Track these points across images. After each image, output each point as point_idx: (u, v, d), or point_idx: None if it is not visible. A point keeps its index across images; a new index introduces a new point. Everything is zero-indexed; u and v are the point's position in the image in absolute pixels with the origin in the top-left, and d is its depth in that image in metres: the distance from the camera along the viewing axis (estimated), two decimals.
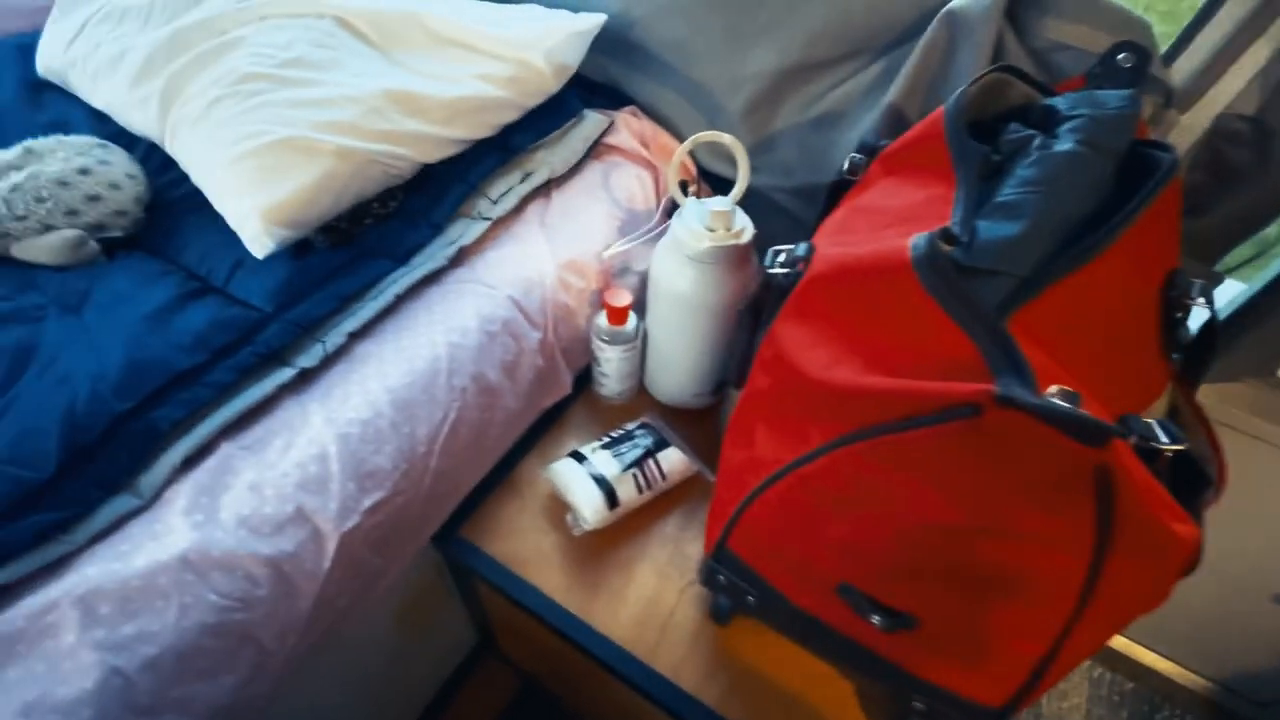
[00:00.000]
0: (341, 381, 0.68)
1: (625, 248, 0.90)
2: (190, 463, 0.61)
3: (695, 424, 0.91)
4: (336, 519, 0.61)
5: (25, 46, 0.98)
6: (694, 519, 0.83)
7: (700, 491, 0.84)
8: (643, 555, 0.79)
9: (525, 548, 0.78)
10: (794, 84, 0.91)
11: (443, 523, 0.78)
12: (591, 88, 1.06)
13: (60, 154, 0.77)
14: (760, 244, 0.75)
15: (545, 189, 0.94)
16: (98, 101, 0.87)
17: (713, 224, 0.72)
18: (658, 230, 0.93)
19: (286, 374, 0.67)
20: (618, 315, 0.82)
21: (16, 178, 0.74)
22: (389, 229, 0.81)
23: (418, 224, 0.82)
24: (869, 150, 0.67)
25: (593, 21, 0.91)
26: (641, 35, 0.97)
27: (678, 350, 0.84)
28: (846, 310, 0.48)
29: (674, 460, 0.81)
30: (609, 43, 0.98)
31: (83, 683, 0.49)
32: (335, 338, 0.71)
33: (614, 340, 0.84)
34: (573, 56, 0.92)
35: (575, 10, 0.95)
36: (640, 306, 0.88)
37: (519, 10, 0.93)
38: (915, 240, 0.44)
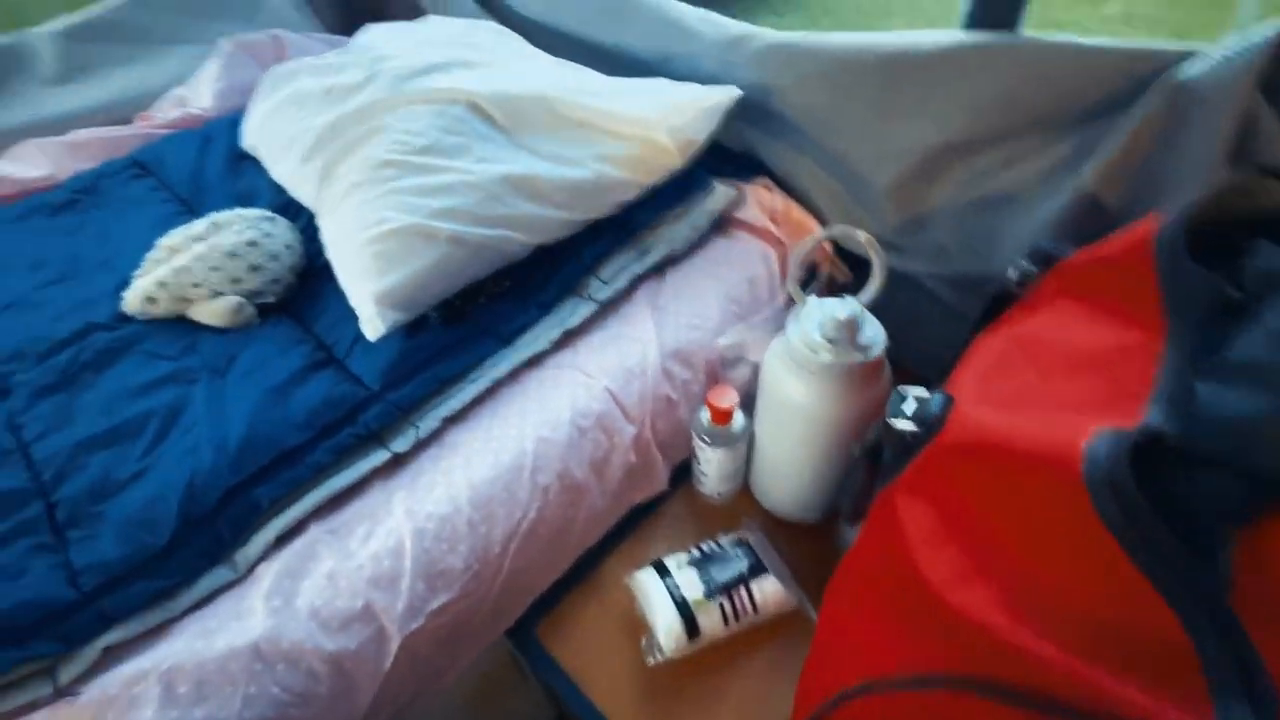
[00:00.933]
0: (429, 468, 0.68)
1: (739, 339, 0.82)
2: (281, 541, 0.63)
3: (803, 541, 0.80)
4: (401, 620, 0.60)
5: (238, 123, 1.14)
6: (789, 660, 0.71)
7: (799, 629, 0.73)
8: (724, 695, 0.70)
9: (597, 664, 0.72)
10: (954, 159, 0.78)
11: (517, 617, 0.74)
12: (723, 153, 1.00)
13: (235, 226, 0.87)
14: (904, 336, 0.64)
15: (660, 267, 0.89)
16: (276, 175, 0.98)
17: (834, 334, 0.62)
18: (777, 319, 0.84)
19: (380, 457, 0.68)
20: (721, 416, 0.75)
21: (200, 248, 0.84)
22: (499, 308, 0.81)
23: (527, 304, 0.81)
24: (1044, 259, 0.54)
25: (725, 96, 0.86)
26: (780, 104, 0.90)
27: (786, 462, 0.74)
28: (988, 506, 0.37)
29: (770, 591, 0.71)
30: (744, 109, 0.92)
31: None
32: (430, 422, 0.71)
33: (716, 441, 0.77)
34: (701, 132, 0.87)
35: (711, 81, 0.90)
36: (751, 401, 0.80)
37: (647, 84, 0.91)
38: (1093, 445, 0.32)
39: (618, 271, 0.86)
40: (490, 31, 1.12)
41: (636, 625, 0.74)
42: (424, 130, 0.80)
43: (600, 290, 0.84)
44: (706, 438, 0.77)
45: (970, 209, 0.79)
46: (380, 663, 0.59)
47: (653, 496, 0.82)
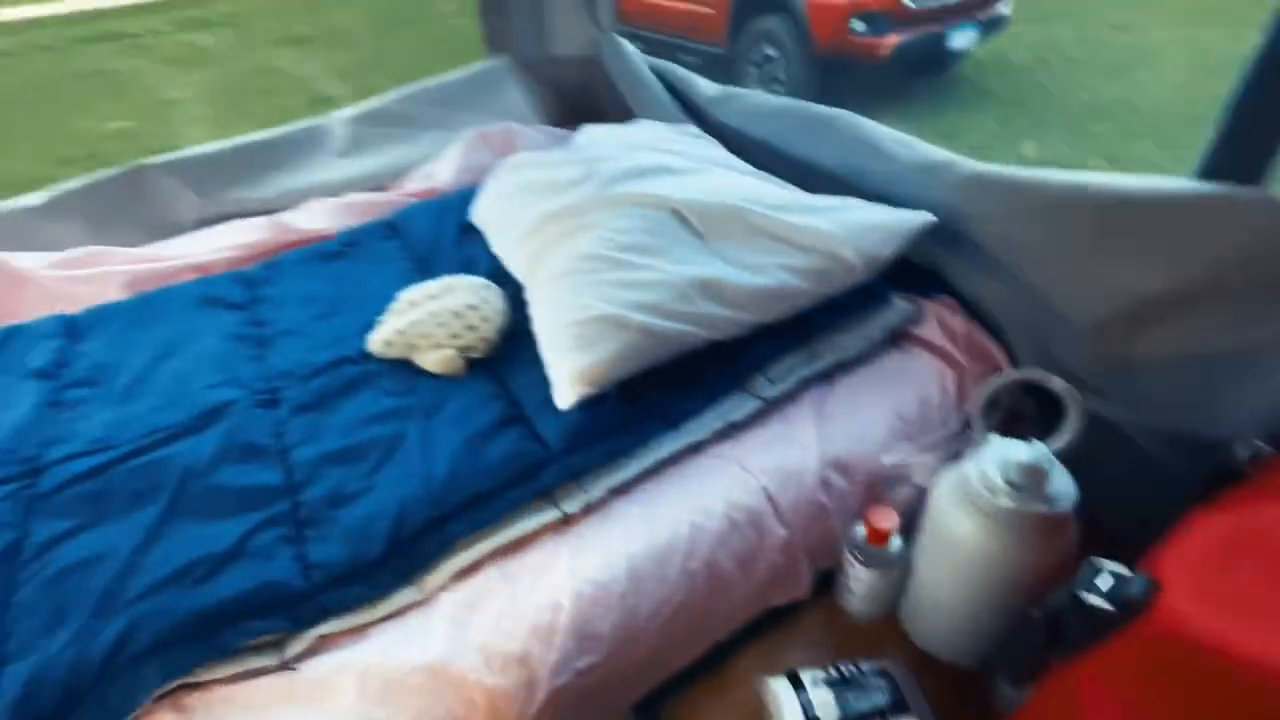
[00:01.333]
0: (592, 534, 0.74)
1: (906, 459, 0.81)
2: (461, 574, 0.71)
3: (951, 684, 0.75)
4: (552, 672, 0.65)
5: (469, 199, 1.35)
6: None
7: None
8: None
9: None
10: (1175, 308, 0.73)
11: (646, 692, 0.77)
12: (907, 267, 1.01)
13: (461, 290, 1.03)
14: (1098, 490, 0.60)
15: (830, 373, 0.91)
16: (496, 248, 1.15)
17: (1017, 478, 0.60)
18: (948, 445, 0.82)
19: (553, 515, 0.76)
20: (878, 536, 0.74)
21: (433, 306, 1.01)
22: (671, 393, 0.87)
23: (696, 393, 0.87)
24: None
25: (917, 220, 0.88)
26: (976, 231, 0.90)
27: (946, 600, 0.71)
28: None
29: None
30: (935, 229, 0.93)
31: None
32: (598, 490, 0.77)
33: (869, 561, 0.75)
34: (889, 250, 0.90)
35: (904, 200, 0.93)
36: (910, 525, 0.78)
37: (838, 202, 0.95)
38: None
39: (786, 373, 0.89)
40: (692, 137, 1.25)
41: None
42: (629, 229, 0.90)
43: (767, 389, 0.87)
44: (859, 554, 0.76)
45: (1190, 362, 0.73)
46: (527, 708, 0.65)
47: (792, 600, 0.82)
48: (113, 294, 1.28)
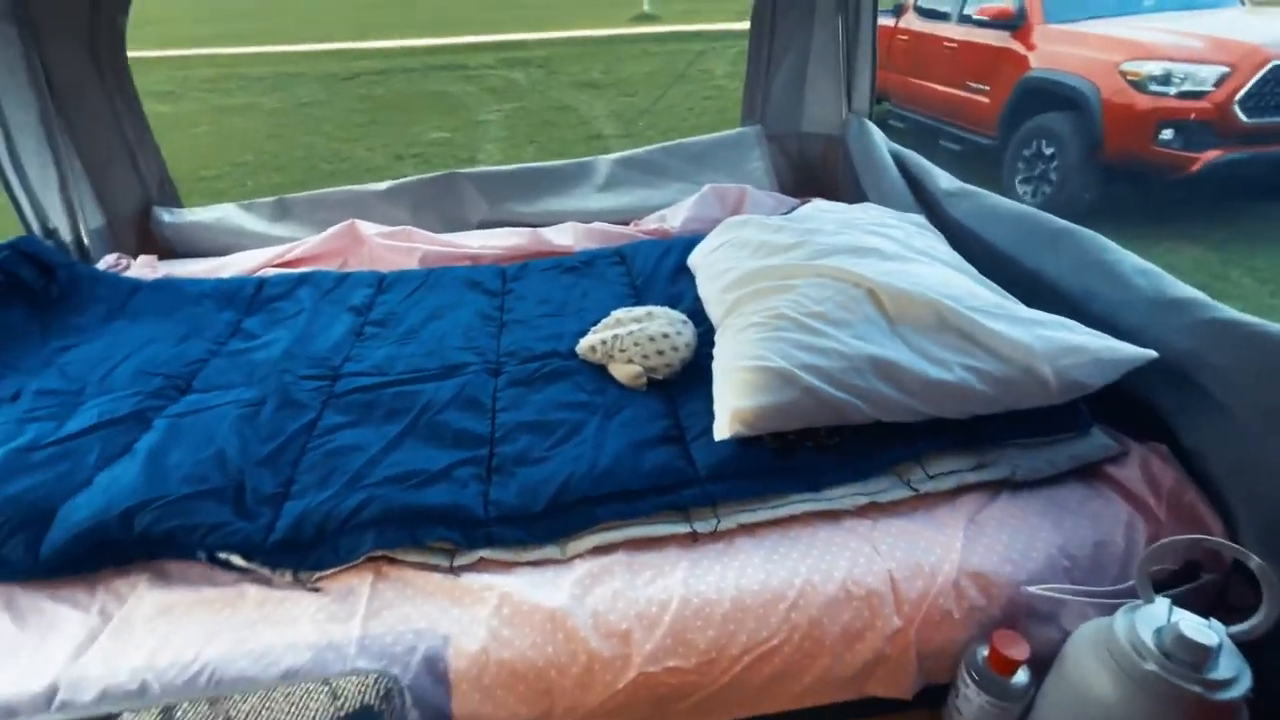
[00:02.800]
0: (712, 558, 0.81)
1: (1060, 596, 0.75)
2: (596, 550, 0.83)
3: None
4: (645, 659, 0.73)
5: (691, 244, 1.52)
6: None
7: None
8: None
9: None
10: None
11: None
12: (1121, 398, 0.92)
13: (661, 319, 1.17)
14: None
15: (997, 487, 0.88)
16: (701, 291, 1.28)
17: (1172, 648, 0.55)
18: (1114, 600, 0.74)
19: (683, 528, 0.84)
20: (1003, 664, 0.70)
21: (635, 327, 1.17)
22: (823, 458, 0.91)
23: (845, 466, 0.89)
24: None
25: (1134, 356, 0.82)
26: (1210, 381, 0.81)
27: None
28: None
29: None
30: (1164, 371, 0.85)
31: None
32: (729, 521, 0.84)
33: (986, 688, 0.71)
34: (1093, 379, 0.85)
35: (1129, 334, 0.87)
36: (1044, 668, 0.72)
37: (1053, 319, 0.92)
38: None
39: (947, 473, 0.88)
40: (915, 226, 1.27)
41: None
42: (822, 300, 0.97)
43: (922, 482, 0.87)
44: (976, 676, 0.72)
45: None
46: (616, 681, 0.73)
47: (892, 699, 0.80)
48: (412, 263, 1.67)
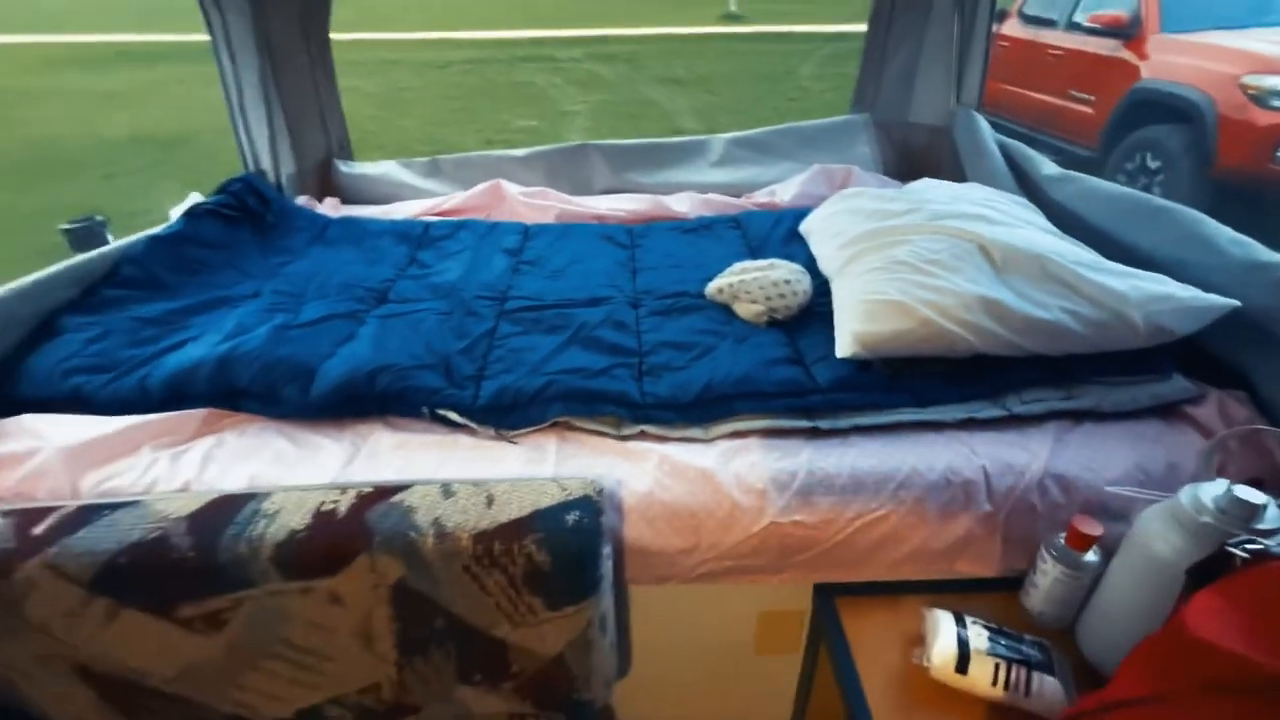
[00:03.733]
0: (832, 445, 0.99)
1: (1135, 496, 0.89)
2: (734, 434, 1.03)
3: None
4: (775, 513, 0.92)
5: (801, 215, 1.69)
6: None
7: None
8: None
9: (868, 643, 0.90)
10: None
11: (827, 581, 0.98)
12: (1197, 352, 1.04)
13: (783, 268, 1.35)
14: None
15: (1081, 415, 1.02)
16: (815, 251, 1.45)
17: (1227, 506, 0.69)
18: None
19: (806, 424, 1.02)
20: (1079, 540, 0.85)
21: (758, 274, 1.35)
22: (929, 382, 1.07)
23: (951, 388, 1.05)
24: None
25: (1217, 304, 0.95)
26: None
27: (1128, 615, 0.79)
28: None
29: (1049, 689, 0.78)
30: (1247, 328, 0.97)
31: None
32: (845, 422, 1.02)
33: (1061, 559, 0.86)
34: (1179, 326, 0.98)
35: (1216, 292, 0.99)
36: (1106, 555, 0.86)
37: (1142, 274, 1.05)
38: None
39: (1038, 400, 1.02)
40: (1016, 204, 1.40)
41: (912, 643, 0.89)
42: (937, 250, 1.13)
43: (1015, 405, 1.02)
44: (1054, 551, 0.87)
45: None
46: (752, 526, 0.92)
47: (977, 576, 0.95)
48: (549, 219, 1.91)
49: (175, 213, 1.62)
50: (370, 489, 0.85)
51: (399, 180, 2.14)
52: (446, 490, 0.83)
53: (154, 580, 0.79)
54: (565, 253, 1.65)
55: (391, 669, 0.87)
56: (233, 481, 0.97)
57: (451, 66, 9.83)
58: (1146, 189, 3.52)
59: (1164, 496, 0.87)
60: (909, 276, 1.09)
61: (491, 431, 1.06)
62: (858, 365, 1.09)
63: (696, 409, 1.06)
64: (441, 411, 1.08)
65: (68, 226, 3.51)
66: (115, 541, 0.78)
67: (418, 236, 1.76)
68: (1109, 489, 0.90)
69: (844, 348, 1.07)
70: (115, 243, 1.46)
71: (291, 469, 0.99)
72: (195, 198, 1.70)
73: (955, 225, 1.20)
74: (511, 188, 2.02)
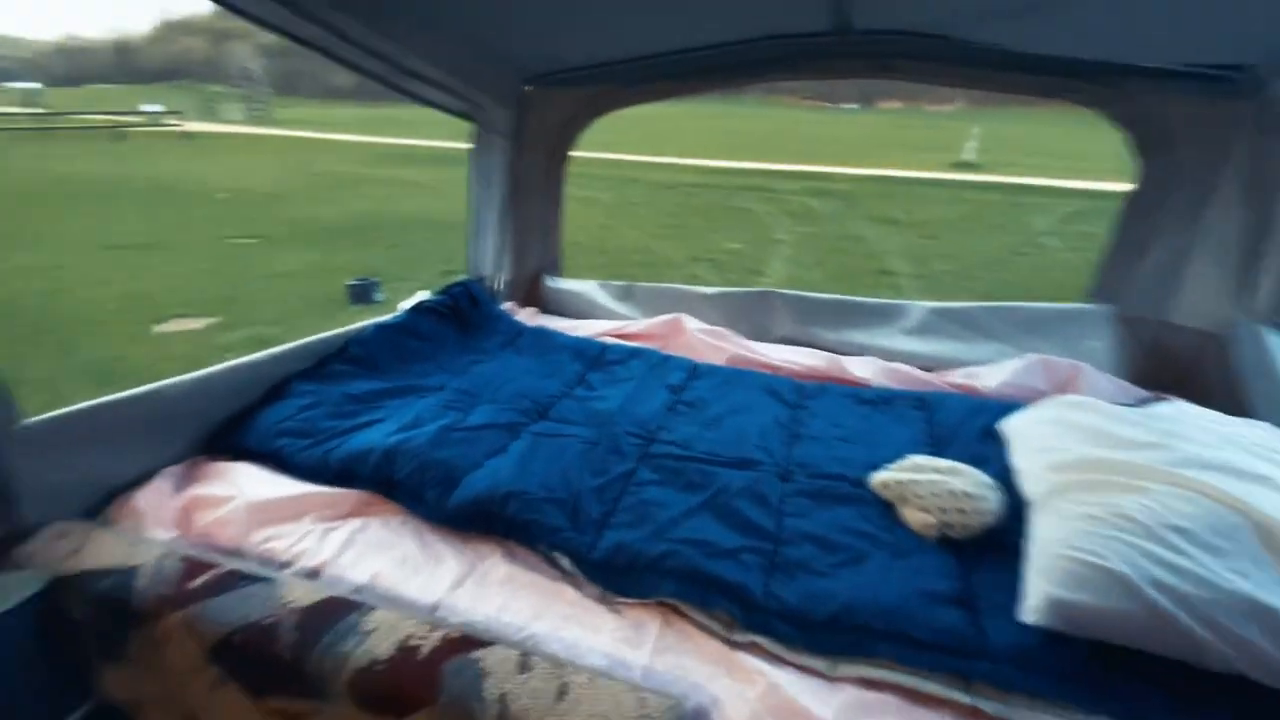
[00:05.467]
0: None
1: None
2: (865, 682, 0.84)
3: None
4: None
5: (1005, 410, 1.45)
6: None
7: None
8: None
9: None
10: None
11: None
12: None
13: (967, 477, 1.15)
14: None
15: None
16: (1014, 460, 1.22)
17: None
18: None
19: (962, 698, 0.81)
20: None
21: (935, 477, 1.17)
22: (1155, 689, 0.79)
23: (1180, 709, 0.77)
24: None
25: None
26: None
27: None
28: None
29: None
30: None
31: None
32: (1017, 714, 0.78)
33: None
34: None
35: None
36: None
37: None
38: None
39: None
40: None
41: None
42: (1187, 516, 0.87)
43: None
44: None
45: None
46: None
47: None
48: (719, 360, 1.90)
49: (404, 305, 1.91)
50: (457, 634, 0.83)
51: (594, 299, 2.31)
52: (524, 662, 0.78)
53: (256, 666, 0.84)
54: (726, 400, 1.60)
55: None
56: (360, 573, 1.02)
57: (679, 188, 10.82)
58: None
59: None
60: (1139, 543, 0.85)
61: (597, 591, 1.00)
62: (1048, 636, 0.85)
63: (826, 634, 0.90)
64: (556, 555, 1.06)
65: (351, 282, 4.40)
66: (240, 617, 0.85)
67: (593, 357, 1.85)
68: None
69: (1033, 610, 0.85)
70: (349, 326, 1.74)
71: (409, 577, 1.02)
72: (422, 295, 1.98)
73: (1219, 482, 0.92)
74: (692, 323, 2.06)
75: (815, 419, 1.53)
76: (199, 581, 0.90)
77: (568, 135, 2.23)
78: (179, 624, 0.87)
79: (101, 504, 1.13)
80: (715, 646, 0.90)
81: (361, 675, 0.78)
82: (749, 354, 1.93)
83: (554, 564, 1.05)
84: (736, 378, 1.75)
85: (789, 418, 1.53)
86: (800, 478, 1.28)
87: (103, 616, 0.91)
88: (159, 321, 4.14)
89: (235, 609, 0.86)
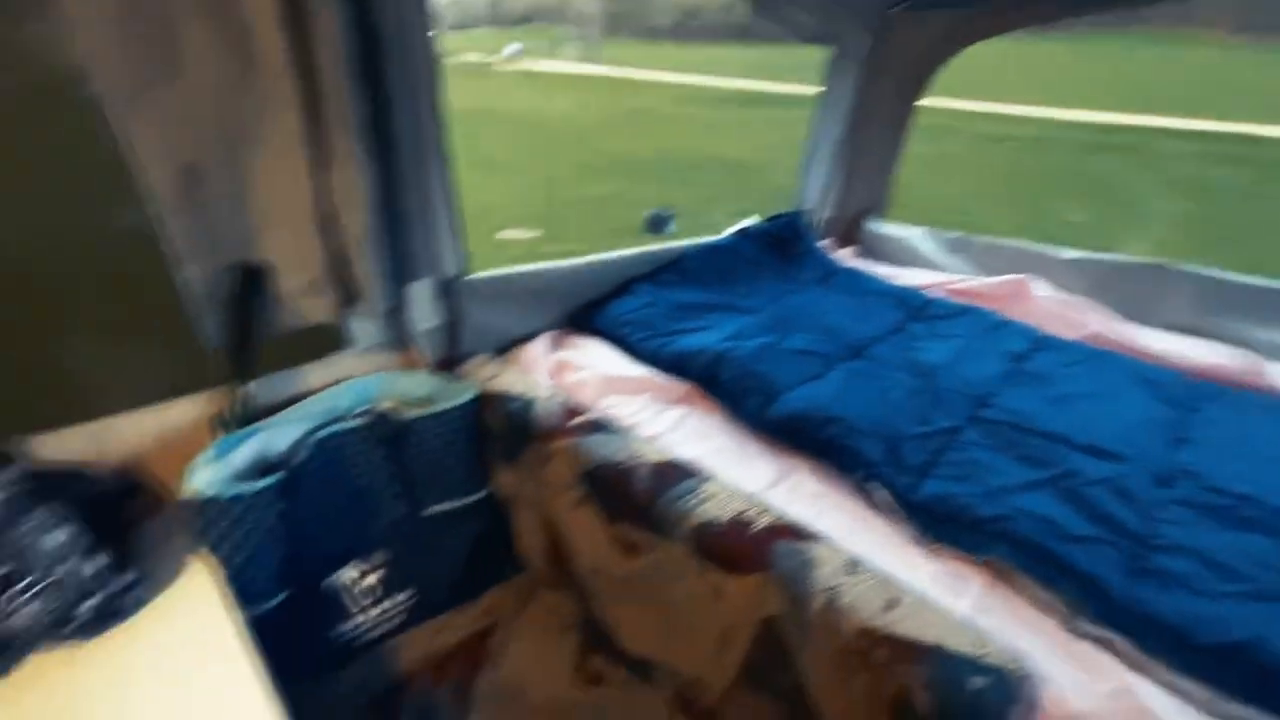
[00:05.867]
0: None
1: None
2: None
3: None
4: None
5: None
6: None
7: None
8: None
9: None
10: None
11: None
12: None
13: None
14: None
15: None
16: None
17: None
18: None
19: None
20: None
21: None
22: None
23: None
24: None
25: None
26: None
27: None
28: None
29: None
30: None
31: None
32: None
33: None
34: None
35: None
36: None
37: None
38: None
39: None
40: None
41: None
42: None
43: None
44: None
45: None
46: None
47: None
48: (1072, 335, 1.62)
49: (732, 229, 2.00)
50: (786, 521, 0.89)
51: (918, 249, 2.14)
52: (852, 566, 0.80)
53: (614, 495, 1.01)
54: (1082, 381, 1.37)
55: (726, 681, 0.91)
56: (685, 452, 1.15)
57: (1007, 142, 9.27)
58: None
59: None
60: None
61: (914, 533, 0.97)
62: None
63: (1209, 664, 0.75)
64: (871, 486, 1.05)
65: (649, 214, 4.78)
66: (605, 455, 1.03)
67: (916, 307, 1.73)
68: None
69: None
70: (682, 241, 1.88)
71: (727, 468, 1.12)
72: (750, 220, 2.05)
73: None
74: (1042, 288, 1.78)
75: (1214, 427, 1.22)
76: (577, 420, 1.11)
77: (927, 65, 2.03)
78: (561, 448, 1.08)
79: (504, 348, 1.46)
80: (1050, 626, 0.82)
81: (699, 530, 0.89)
82: (1119, 336, 1.60)
83: (866, 494, 1.05)
84: (1097, 359, 1.48)
85: (1171, 419, 1.25)
86: (1186, 486, 1.05)
87: (509, 428, 1.18)
88: (498, 230, 5.04)
89: (602, 447, 1.04)
